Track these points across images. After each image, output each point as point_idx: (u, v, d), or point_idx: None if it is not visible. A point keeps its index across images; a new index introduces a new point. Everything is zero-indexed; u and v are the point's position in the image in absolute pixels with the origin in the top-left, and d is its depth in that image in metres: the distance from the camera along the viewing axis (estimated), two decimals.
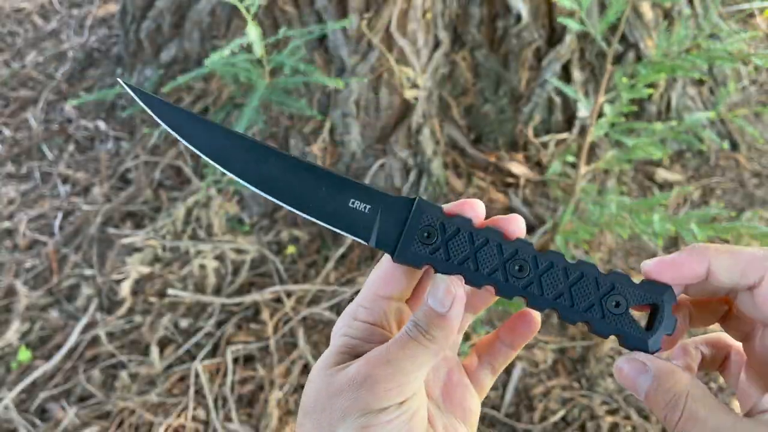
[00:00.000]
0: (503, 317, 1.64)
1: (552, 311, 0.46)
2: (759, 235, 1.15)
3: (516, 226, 0.46)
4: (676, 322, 0.45)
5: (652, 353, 0.44)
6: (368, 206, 0.47)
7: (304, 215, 0.47)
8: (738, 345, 0.49)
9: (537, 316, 0.51)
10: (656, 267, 0.45)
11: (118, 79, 0.52)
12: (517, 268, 0.45)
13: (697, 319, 0.48)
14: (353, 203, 0.47)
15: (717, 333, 0.50)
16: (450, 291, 0.44)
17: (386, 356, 0.43)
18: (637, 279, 0.46)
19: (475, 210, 0.47)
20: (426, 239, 0.46)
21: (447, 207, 0.47)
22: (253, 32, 1.28)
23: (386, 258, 0.48)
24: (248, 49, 1.35)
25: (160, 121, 0.48)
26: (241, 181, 0.47)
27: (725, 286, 0.44)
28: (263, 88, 1.35)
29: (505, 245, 0.46)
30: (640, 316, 0.47)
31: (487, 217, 0.48)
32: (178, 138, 0.48)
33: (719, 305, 0.48)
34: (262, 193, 0.47)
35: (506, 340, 0.52)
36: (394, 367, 0.42)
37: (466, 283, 0.46)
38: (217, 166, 0.47)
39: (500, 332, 0.52)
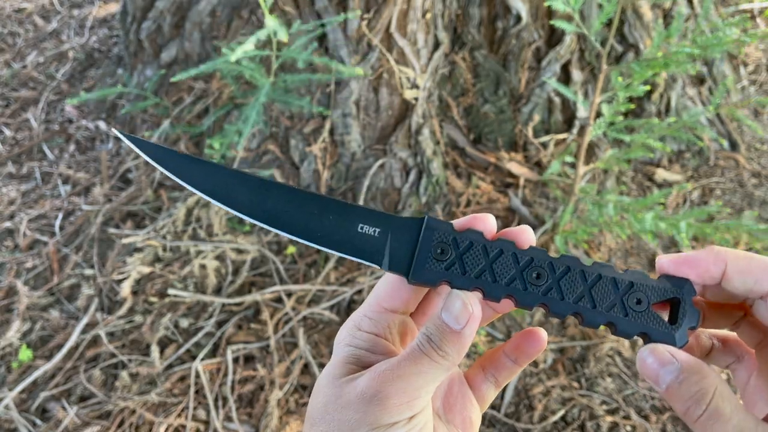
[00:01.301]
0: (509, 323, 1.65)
1: (574, 316, 0.45)
2: (756, 232, 1.15)
3: (527, 236, 0.46)
4: (700, 314, 0.44)
5: (680, 347, 0.43)
6: (377, 230, 0.46)
7: (315, 245, 0.47)
8: (751, 351, 0.48)
9: (543, 335, 0.50)
10: (673, 263, 0.44)
11: (113, 130, 0.52)
12: (534, 275, 0.45)
13: (709, 322, 0.48)
14: (362, 228, 0.46)
15: (734, 333, 0.50)
16: (467, 308, 0.43)
17: (397, 371, 0.43)
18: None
19: (485, 223, 0.46)
20: (440, 255, 0.45)
21: (457, 223, 0.47)
22: (272, 22, 1.29)
23: None
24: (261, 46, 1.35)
25: (161, 169, 0.48)
26: (248, 219, 0.47)
27: (739, 292, 0.43)
28: (268, 86, 1.36)
29: (520, 254, 0.45)
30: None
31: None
32: (181, 183, 0.48)
33: (734, 310, 0.47)
34: (271, 228, 0.47)
35: (511, 356, 0.52)
36: (405, 382, 0.42)
37: (484, 297, 0.45)
38: (222, 206, 0.47)
39: (506, 347, 0.52)
